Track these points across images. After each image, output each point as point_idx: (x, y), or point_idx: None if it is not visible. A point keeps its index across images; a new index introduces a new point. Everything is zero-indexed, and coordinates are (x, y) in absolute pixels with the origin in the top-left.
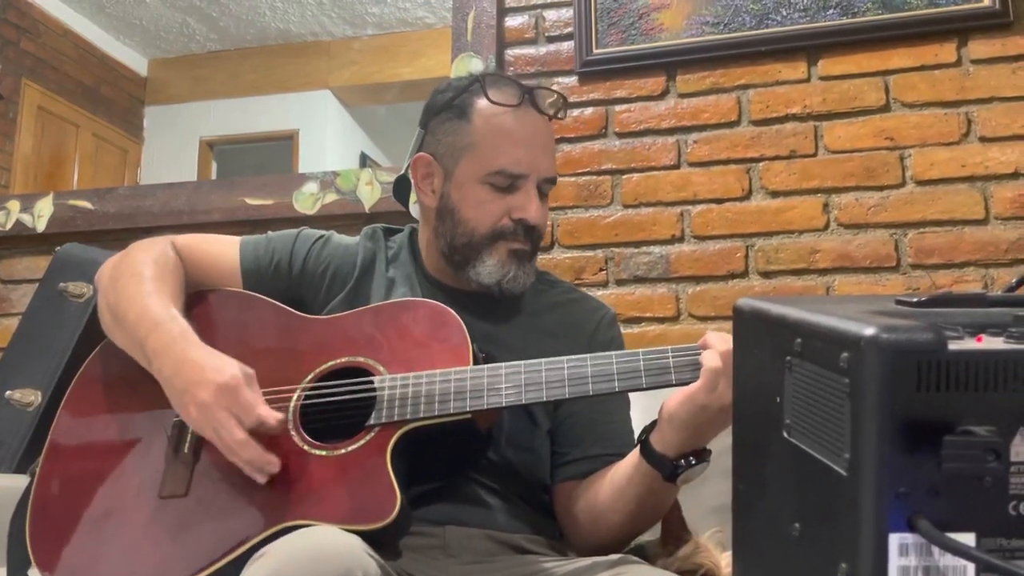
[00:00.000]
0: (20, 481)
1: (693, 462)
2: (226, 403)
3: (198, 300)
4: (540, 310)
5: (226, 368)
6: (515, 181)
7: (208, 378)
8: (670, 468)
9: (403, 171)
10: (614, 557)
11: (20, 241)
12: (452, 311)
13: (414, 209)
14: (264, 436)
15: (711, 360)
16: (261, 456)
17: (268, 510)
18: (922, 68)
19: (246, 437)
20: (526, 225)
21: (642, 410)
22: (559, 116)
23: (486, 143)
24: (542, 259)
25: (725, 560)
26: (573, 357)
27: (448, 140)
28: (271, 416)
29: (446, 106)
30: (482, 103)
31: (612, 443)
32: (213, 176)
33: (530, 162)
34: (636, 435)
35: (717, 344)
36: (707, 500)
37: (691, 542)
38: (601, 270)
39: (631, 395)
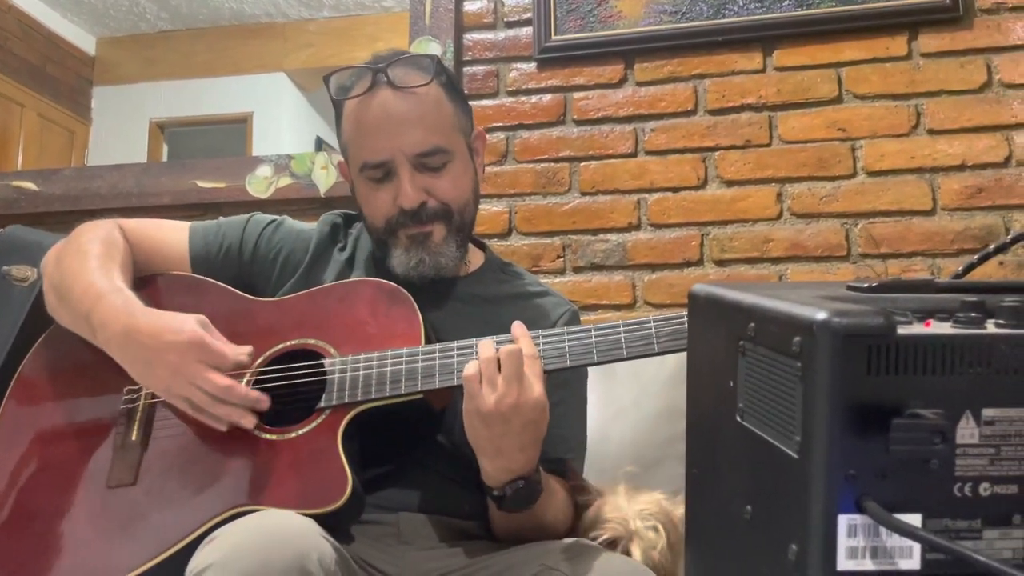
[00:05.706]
0: None
1: (521, 485)
2: (196, 356)
3: (145, 284)
4: (500, 300)
5: (182, 324)
6: (386, 169)
7: (169, 340)
8: (496, 499)
9: None
10: (568, 541)
11: None
12: (403, 289)
13: None
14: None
15: (466, 368)
16: (248, 395)
17: (218, 495)
18: (874, 60)
19: (231, 381)
20: (405, 210)
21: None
22: (424, 83)
23: (351, 141)
24: (499, 246)
25: (640, 505)
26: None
27: (340, 143)
28: (243, 353)
29: (337, 111)
30: (346, 101)
31: (548, 449)
32: (164, 160)
33: (388, 146)
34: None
35: (480, 351)
36: (659, 485)
37: (595, 504)
38: (558, 257)
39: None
